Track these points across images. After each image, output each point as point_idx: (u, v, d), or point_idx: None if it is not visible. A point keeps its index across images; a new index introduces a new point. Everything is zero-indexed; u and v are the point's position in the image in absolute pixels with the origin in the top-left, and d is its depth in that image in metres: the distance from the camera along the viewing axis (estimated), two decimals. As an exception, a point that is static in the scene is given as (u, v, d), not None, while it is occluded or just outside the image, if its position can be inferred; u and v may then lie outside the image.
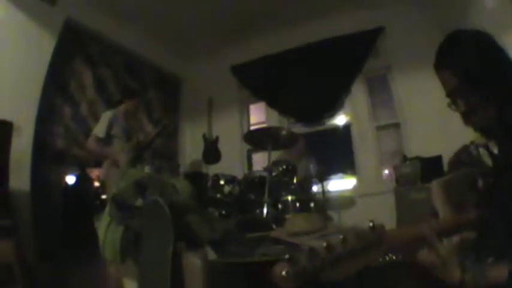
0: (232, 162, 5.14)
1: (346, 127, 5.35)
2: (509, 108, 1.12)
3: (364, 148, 5.03)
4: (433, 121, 4.53)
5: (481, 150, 2.68)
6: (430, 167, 3.66)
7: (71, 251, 3.22)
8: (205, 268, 2.04)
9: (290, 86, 5.26)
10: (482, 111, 1.17)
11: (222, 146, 5.19)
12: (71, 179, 3.76)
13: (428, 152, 3.99)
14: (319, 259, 0.77)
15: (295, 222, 2.73)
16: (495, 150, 1.32)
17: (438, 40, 4.39)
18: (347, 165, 5.13)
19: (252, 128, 5.71)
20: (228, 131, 5.36)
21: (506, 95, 1.14)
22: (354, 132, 5.23)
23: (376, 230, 0.86)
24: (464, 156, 2.90)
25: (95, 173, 3.77)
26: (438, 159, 3.67)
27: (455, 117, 4.29)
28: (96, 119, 3.82)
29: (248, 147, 5.36)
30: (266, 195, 3.25)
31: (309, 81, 5.22)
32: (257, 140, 3.75)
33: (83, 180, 3.73)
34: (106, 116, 3.55)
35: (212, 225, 2.57)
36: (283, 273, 0.80)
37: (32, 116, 3.62)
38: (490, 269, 0.97)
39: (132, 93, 3.88)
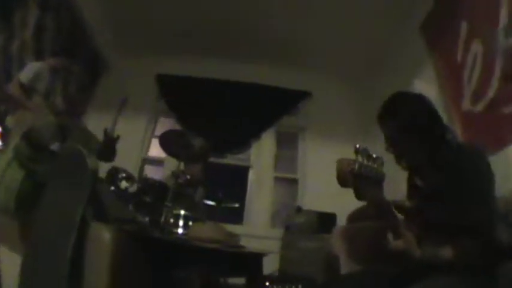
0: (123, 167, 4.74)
1: (245, 168, 5.37)
2: (437, 152, 1.54)
3: (258, 192, 5.05)
4: (330, 184, 4.79)
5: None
6: (325, 221, 3.76)
7: None
8: (115, 244, 1.75)
9: (206, 113, 5.19)
10: (415, 154, 1.60)
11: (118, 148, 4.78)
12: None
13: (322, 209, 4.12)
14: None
15: (202, 229, 2.55)
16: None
17: (354, 117, 4.79)
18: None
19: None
20: (129, 136, 4.95)
21: (434, 143, 1.56)
22: (252, 175, 5.28)
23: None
24: (369, 211, 3.08)
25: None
26: (333, 216, 3.81)
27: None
28: (21, 65, 3.32)
29: (144, 156, 5.07)
30: (169, 200, 3.03)
31: (225, 114, 5.22)
32: (171, 143, 3.52)
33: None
34: (34, 66, 3.10)
35: (120, 206, 2.29)
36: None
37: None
38: (440, 250, 1.33)
39: (67, 51, 3.45)
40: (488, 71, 2.75)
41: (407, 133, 1.59)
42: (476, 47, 2.94)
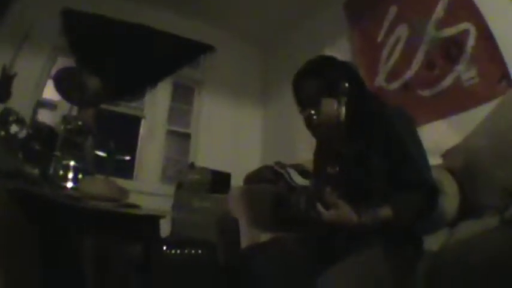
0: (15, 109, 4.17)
1: (138, 119, 5.13)
2: (364, 114, 1.51)
3: (149, 145, 4.88)
4: (224, 142, 4.98)
5: (290, 170, 2.99)
6: (220, 180, 3.76)
7: None
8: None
9: (106, 54, 4.75)
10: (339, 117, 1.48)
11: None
12: None
13: (215, 168, 4.12)
14: None
15: (93, 185, 2.36)
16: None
17: (256, 77, 4.84)
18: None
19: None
20: (25, 74, 4.31)
21: (360, 105, 1.52)
22: (144, 127, 5.07)
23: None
24: (267, 174, 3.17)
25: None
26: (227, 175, 3.83)
27: (245, 143, 4.65)
28: None
29: (38, 98, 4.51)
30: (58, 149, 2.76)
31: (124, 57, 4.85)
32: (65, 83, 3.19)
33: None
34: None
35: (7, 155, 2.02)
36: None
37: None
38: (379, 210, 1.31)
39: None
40: (409, 55, 2.97)
41: (332, 91, 1.50)
42: (401, 31, 3.14)
